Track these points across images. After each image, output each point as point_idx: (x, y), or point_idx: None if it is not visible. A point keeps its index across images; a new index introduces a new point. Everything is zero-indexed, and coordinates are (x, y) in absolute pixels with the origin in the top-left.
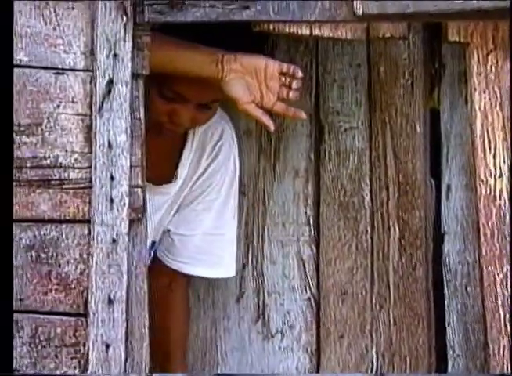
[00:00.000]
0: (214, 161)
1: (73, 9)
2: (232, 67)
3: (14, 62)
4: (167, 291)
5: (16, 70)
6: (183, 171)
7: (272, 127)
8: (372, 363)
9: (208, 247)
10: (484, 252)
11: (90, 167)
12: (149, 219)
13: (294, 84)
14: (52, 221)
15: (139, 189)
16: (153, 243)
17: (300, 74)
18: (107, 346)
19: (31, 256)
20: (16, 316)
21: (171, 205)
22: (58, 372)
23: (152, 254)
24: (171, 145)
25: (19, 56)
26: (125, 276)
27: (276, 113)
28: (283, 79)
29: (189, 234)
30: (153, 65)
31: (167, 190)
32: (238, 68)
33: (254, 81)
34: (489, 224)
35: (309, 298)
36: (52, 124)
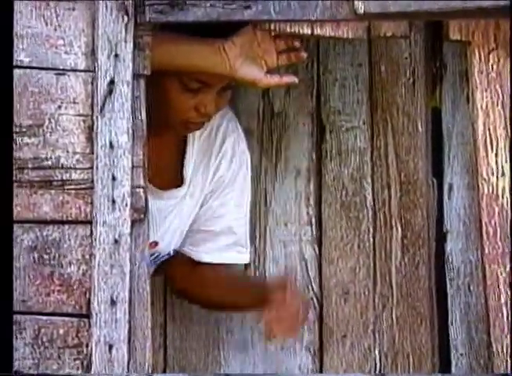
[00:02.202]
0: (222, 160)
1: (73, 9)
2: (236, 53)
3: (15, 63)
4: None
5: (17, 71)
6: (188, 174)
7: (296, 80)
8: (375, 362)
9: (228, 238)
10: (486, 251)
11: (92, 167)
12: (161, 223)
13: (297, 44)
14: (54, 222)
15: (141, 190)
16: (157, 256)
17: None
18: (110, 347)
19: (33, 257)
20: (18, 317)
21: (188, 210)
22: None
23: (155, 263)
24: (175, 148)
25: (21, 56)
26: (128, 277)
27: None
28: (280, 44)
29: (207, 229)
30: (157, 63)
31: (174, 195)
32: (239, 51)
33: (253, 52)
34: (492, 223)
35: (312, 298)
36: (53, 125)
